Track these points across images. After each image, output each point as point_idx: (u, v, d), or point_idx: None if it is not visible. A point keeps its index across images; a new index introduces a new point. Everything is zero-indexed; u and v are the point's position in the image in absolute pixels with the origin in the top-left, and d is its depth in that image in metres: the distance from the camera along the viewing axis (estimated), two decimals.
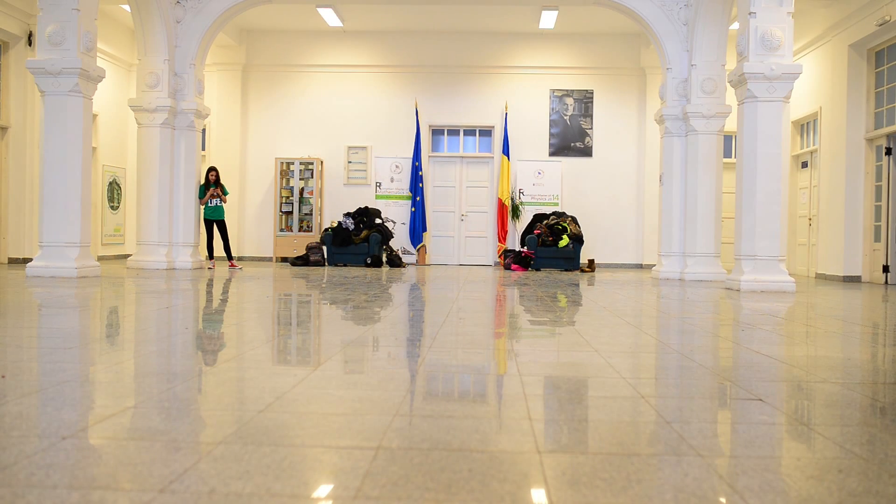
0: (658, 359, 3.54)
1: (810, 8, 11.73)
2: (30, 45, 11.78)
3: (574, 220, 13.84)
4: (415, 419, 2.16)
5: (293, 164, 14.83)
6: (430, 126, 15.09)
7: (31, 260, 10.66)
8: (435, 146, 15.28)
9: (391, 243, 14.33)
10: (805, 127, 13.14)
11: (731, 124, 11.75)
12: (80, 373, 2.84)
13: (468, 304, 6.14)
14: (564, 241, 13.34)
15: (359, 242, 13.69)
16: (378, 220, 14.09)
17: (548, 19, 13.70)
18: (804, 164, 13.14)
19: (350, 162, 15.13)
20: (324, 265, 13.85)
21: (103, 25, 13.03)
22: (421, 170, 14.60)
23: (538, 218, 14.01)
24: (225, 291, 7.43)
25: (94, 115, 12.88)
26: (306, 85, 15.17)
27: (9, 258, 12.00)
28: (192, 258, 11.45)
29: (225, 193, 11.92)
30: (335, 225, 13.96)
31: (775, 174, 8.50)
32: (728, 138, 14.21)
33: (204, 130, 14.20)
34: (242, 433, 1.95)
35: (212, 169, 11.97)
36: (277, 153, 15.02)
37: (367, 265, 13.52)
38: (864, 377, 3.03)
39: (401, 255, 14.33)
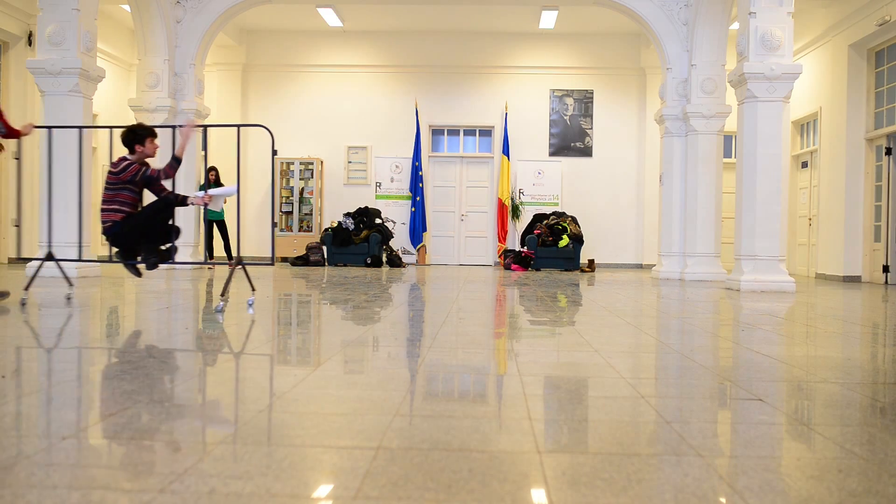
0: (658, 359, 3.54)
1: (810, 8, 11.72)
2: (30, 45, 11.77)
3: (574, 220, 13.84)
4: (415, 419, 2.16)
5: (293, 164, 14.83)
6: (430, 126, 15.08)
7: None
8: (435, 146, 15.28)
9: (391, 243, 14.33)
10: (805, 127, 13.14)
11: (731, 124, 11.74)
12: (80, 373, 2.84)
13: (468, 304, 6.14)
14: (564, 241, 13.34)
15: (359, 242, 13.69)
16: (378, 220, 14.09)
17: (548, 19, 13.70)
18: (804, 164, 13.14)
19: (350, 162, 15.13)
20: (324, 265, 13.84)
21: (103, 25, 13.02)
22: (421, 170, 14.60)
23: (538, 218, 14.01)
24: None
25: (94, 115, 12.86)
26: (306, 85, 15.17)
27: (9, 258, 11.99)
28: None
29: None
30: (335, 225, 13.96)
31: (775, 174, 8.50)
32: (728, 138, 14.20)
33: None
34: (242, 433, 1.95)
35: (212, 169, 11.96)
36: (277, 153, 15.01)
37: (367, 265, 13.52)
38: (864, 377, 3.03)
39: (401, 255, 14.32)
